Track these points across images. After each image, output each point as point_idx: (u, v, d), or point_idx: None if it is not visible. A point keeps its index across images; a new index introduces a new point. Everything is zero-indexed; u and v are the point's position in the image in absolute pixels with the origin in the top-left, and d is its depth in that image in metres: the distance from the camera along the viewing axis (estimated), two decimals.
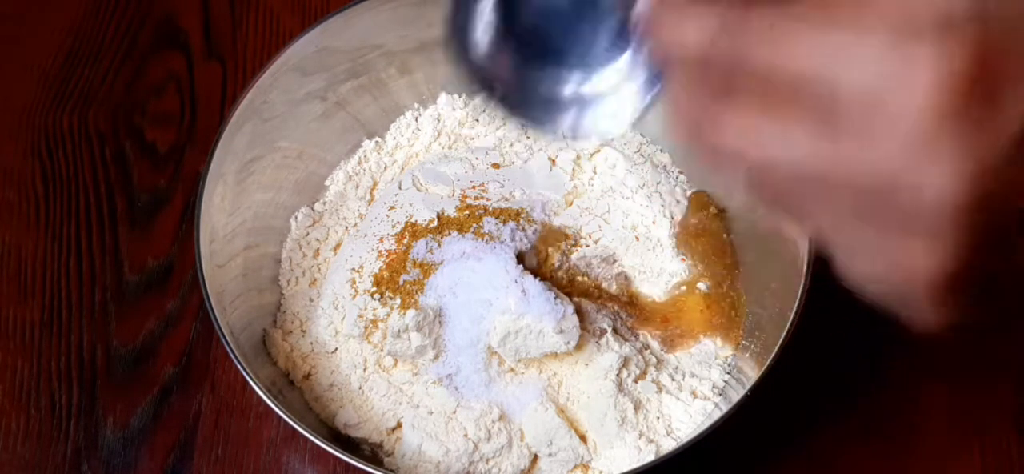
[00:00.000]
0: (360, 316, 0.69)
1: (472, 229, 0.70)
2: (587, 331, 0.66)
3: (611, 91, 0.48)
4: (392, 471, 0.64)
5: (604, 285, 0.73)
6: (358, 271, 0.71)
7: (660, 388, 0.67)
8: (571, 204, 0.76)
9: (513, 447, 0.65)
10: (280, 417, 0.59)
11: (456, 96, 0.81)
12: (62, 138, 0.83)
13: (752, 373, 0.66)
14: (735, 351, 0.70)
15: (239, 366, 0.60)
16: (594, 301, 0.70)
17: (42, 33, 0.88)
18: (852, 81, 0.29)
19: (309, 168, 0.77)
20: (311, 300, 0.72)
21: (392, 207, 0.74)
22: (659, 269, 0.73)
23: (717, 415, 0.63)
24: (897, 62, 0.29)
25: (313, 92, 0.75)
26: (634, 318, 0.71)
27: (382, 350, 0.68)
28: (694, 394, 0.68)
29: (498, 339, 0.64)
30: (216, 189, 0.67)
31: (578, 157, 0.78)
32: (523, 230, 0.72)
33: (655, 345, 0.70)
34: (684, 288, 0.73)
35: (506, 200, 0.74)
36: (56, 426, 0.71)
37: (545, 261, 0.72)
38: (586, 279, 0.73)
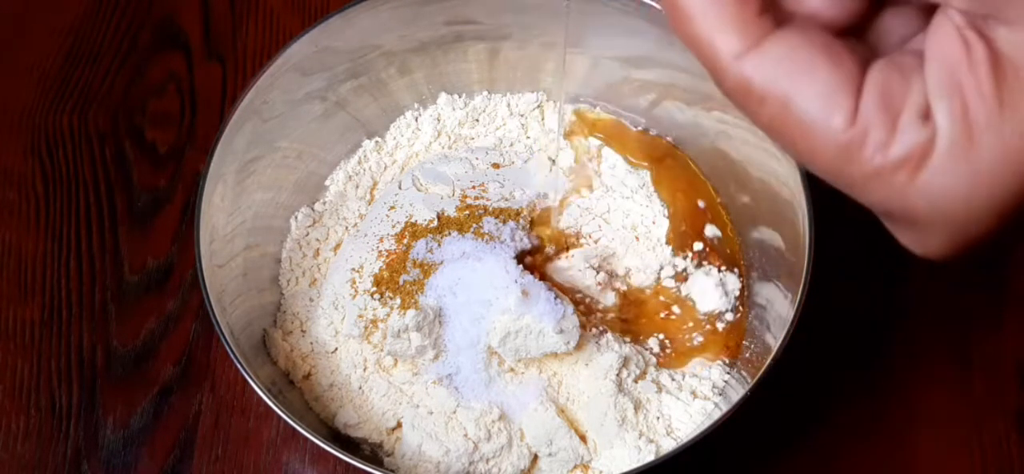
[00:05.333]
0: (360, 316, 0.69)
1: (472, 229, 0.71)
2: (587, 331, 0.67)
3: None
4: (392, 471, 0.64)
5: (601, 299, 0.72)
6: (358, 271, 0.71)
7: (660, 388, 0.67)
8: (570, 204, 0.76)
9: (513, 447, 0.65)
10: (280, 417, 0.59)
11: (456, 96, 0.81)
12: (62, 138, 0.83)
13: (753, 373, 0.66)
14: (735, 354, 0.70)
15: (239, 366, 0.60)
16: (590, 314, 0.70)
17: (42, 33, 0.88)
18: None
19: (309, 168, 0.77)
20: (311, 300, 0.72)
21: (392, 207, 0.74)
22: (657, 267, 0.73)
23: (717, 415, 0.63)
24: None
25: (313, 92, 0.75)
26: (632, 329, 0.71)
27: (382, 350, 0.68)
28: (694, 394, 0.68)
29: (498, 339, 0.64)
30: (216, 189, 0.67)
31: (578, 157, 0.78)
32: (523, 230, 0.72)
33: (655, 344, 0.70)
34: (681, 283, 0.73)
35: (506, 200, 0.74)
36: (56, 426, 0.71)
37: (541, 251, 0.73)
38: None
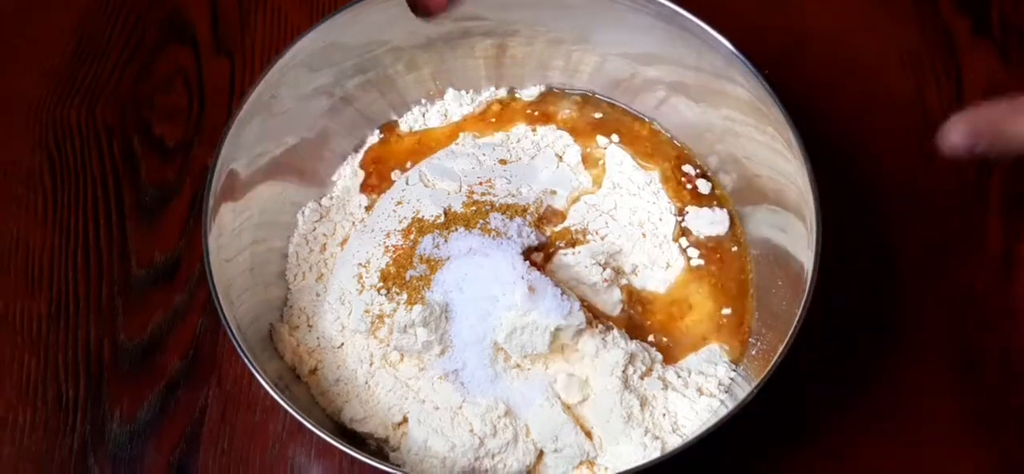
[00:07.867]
0: (367, 311, 0.69)
1: (479, 225, 0.70)
2: (593, 327, 0.66)
3: None
4: (398, 466, 0.64)
5: (605, 307, 0.72)
6: (365, 266, 0.71)
7: (666, 385, 0.67)
8: (577, 200, 0.76)
9: (519, 443, 0.65)
10: (286, 411, 0.59)
11: (463, 92, 0.81)
12: (70, 132, 0.83)
13: (758, 370, 0.66)
14: (741, 352, 0.70)
15: (246, 360, 0.60)
16: (597, 315, 0.70)
17: (50, 28, 0.88)
18: None
19: (316, 163, 0.77)
20: (318, 295, 0.72)
21: (399, 202, 0.74)
22: (665, 263, 0.73)
23: (723, 412, 0.63)
24: None
25: (321, 87, 0.75)
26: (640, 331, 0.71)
27: (388, 345, 0.68)
28: (700, 391, 0.67)
29: (504, 335, 0.64)
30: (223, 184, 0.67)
31: (585, 153, 0.78)
32: (530, 226, 0.72)
33: (662, 340, 0.70)
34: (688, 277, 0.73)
35: (513, 196, 0.74)
36: (63, 419, 0.71)
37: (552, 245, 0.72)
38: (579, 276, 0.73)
